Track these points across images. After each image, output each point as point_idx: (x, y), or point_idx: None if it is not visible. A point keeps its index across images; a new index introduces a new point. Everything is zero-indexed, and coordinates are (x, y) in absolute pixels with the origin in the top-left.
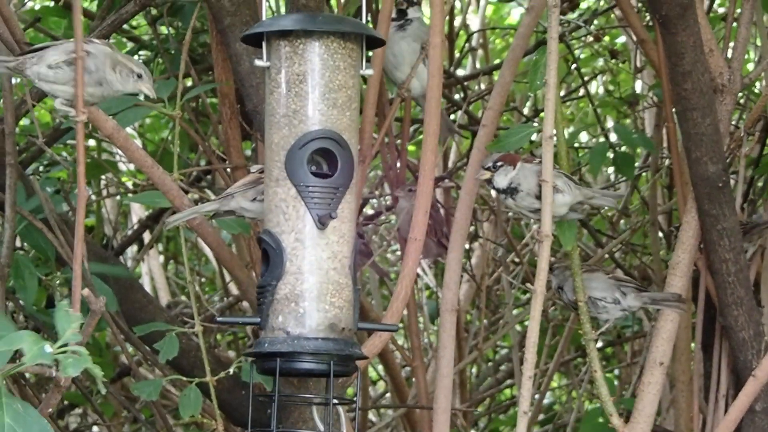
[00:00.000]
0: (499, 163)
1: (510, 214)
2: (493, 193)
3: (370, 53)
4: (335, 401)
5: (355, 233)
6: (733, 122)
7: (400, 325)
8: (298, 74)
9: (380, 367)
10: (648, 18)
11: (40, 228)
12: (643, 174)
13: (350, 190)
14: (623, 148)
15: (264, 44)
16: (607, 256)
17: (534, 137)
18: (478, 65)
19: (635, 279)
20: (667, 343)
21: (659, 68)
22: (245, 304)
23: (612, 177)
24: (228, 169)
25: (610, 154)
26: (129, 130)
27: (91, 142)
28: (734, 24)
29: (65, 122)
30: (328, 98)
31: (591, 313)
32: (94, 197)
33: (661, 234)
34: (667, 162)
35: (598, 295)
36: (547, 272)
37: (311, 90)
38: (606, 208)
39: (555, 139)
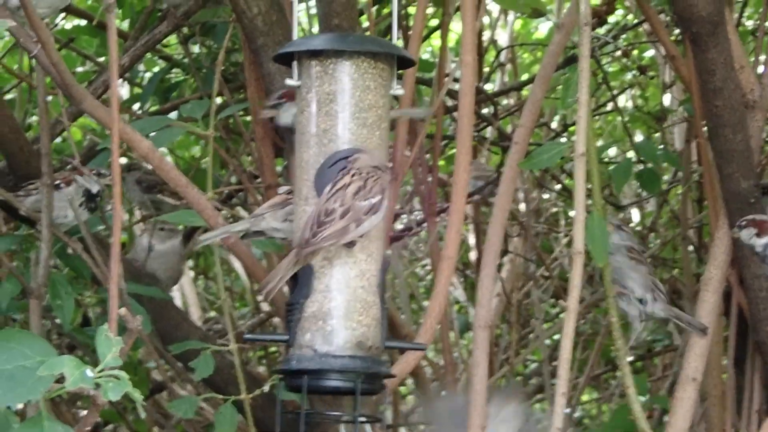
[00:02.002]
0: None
1: (539, 229)
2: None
3: (401, 71)
4: (362, 419)
5: (383, 252)
6: (765, 137)
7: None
8: (329, 93)
9: (410, 381)
10: (677, 32)
11: (75, 248)
12: (673, 188)
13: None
14: (649, 164)
15: (295, 64)
16: None
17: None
18: (506, 80)
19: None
20: (700, 359)
21: (689, 84)
22: (276, 320)
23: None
24: (261, 188)
25: (636, 169)
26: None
27: (122, 160)
28: (765, 38)
29: (101, 143)
30: (358, 117)
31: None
32: (126, 216)
33: (692, 248)
34: (697, 176)
35: (629, 285)
36: (579, 288)
37: (341, 109)
38: (634, 223)
39: (587, 156)
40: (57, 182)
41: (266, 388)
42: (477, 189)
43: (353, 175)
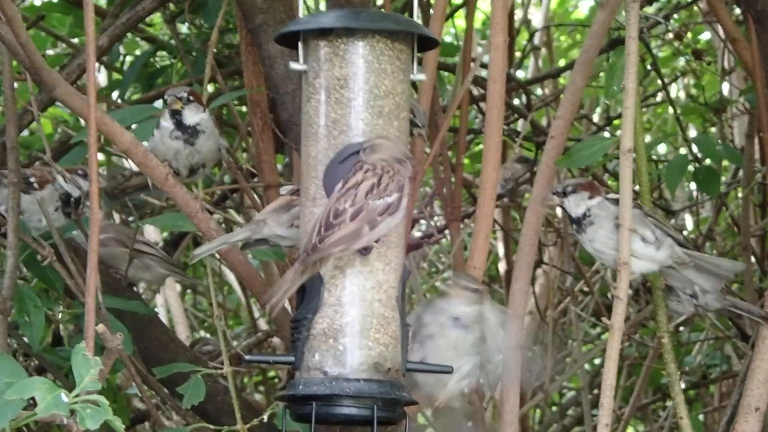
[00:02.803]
0: (570, 188)
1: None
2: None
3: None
4: None
5: (403, 260)
6: None
7: None
8: (339, 78)
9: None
10: (739, 11)
11: (45, 256)
12: (732, 191)
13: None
14: (707, 162)
15: (300, 45)
16: None
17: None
18: (541, 65)
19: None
20: (764, 386)
21: (753, 70)
22: (276, 340)
23: (695, 194)
24: (259, 188)
25: (691, 168)
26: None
27: (100, 156)
28: None
29: (75, 136)
30: (373, 106)
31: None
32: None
33: (753, 259)
34: (760, 177)
35: (676, 284)
36: (625, 304)
37: (354, 96)
38: (688, 230)
39: (634, 153)
40: (30, 180)
41: (265, 417)
42: (506, 190)
43: (366, 171)
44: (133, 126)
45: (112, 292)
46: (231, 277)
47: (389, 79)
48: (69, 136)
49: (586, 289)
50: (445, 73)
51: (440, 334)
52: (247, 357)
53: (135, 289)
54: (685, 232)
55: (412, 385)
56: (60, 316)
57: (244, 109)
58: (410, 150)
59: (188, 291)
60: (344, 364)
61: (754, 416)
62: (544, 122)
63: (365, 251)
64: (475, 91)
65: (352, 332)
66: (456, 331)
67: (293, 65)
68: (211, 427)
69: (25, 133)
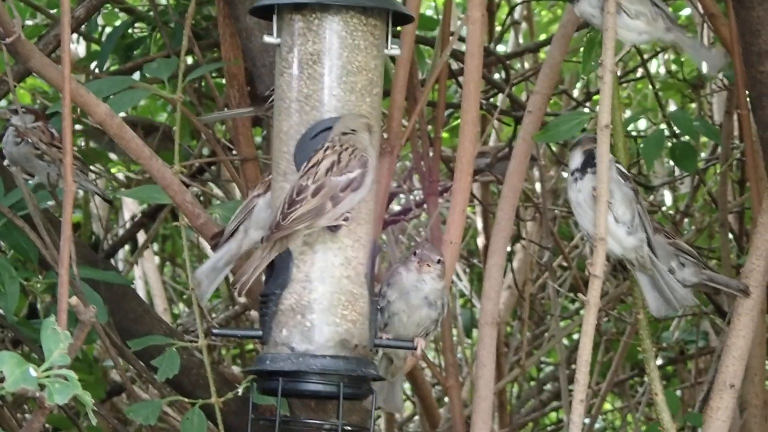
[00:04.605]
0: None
1: (557, 212)
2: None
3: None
4: (346, 428)
5: (373, 237)
6: None
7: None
8: (312, 54)
9: (407, 386)
10: None
11: (21, 226)
12: (710, 167)
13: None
14: (684, 138)
15: (275, 18)
16: None
17: (587, 125)
18: (521, 41)
19: (700, 254)
20: (739, 363)
21: (731, 47)
22: (254, 313)
23: (676, 171)
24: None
25: (669, 144)
26: (121, 114)
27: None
28: None
29: (51, 107)
30: (346, 82)
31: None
32: (81, 192)
33: (731, 236)
34: (738, 153)
35: None
36: (601, 280)
37: (326, 72)
38: (666, 206)
39: (611, 127)
40: None
41: (240, 390)
42: (485, 165)
43: (326, 150)
44: (110, 97)
45: (88, 263)
46: (208, 250)
47: (362, 55)
48: (46, 107)
49: (564, 264)
50: (424, 47)
51: (407, 312)
52: (215, 331)
53: (111, 261)
54: (663, 208)
55: None
56: (36, 286)
57: (222, 81)
58: (387, 126)
59: (167, 263)
60: (311, 341)
61: (728, 393)
62: (523, 97)
63: (335, 228)
64: (455, 66)
65: (320, 308)
66: (424, 309)
67: (267, 39)
68: (186, 400)
69: (3, 103)
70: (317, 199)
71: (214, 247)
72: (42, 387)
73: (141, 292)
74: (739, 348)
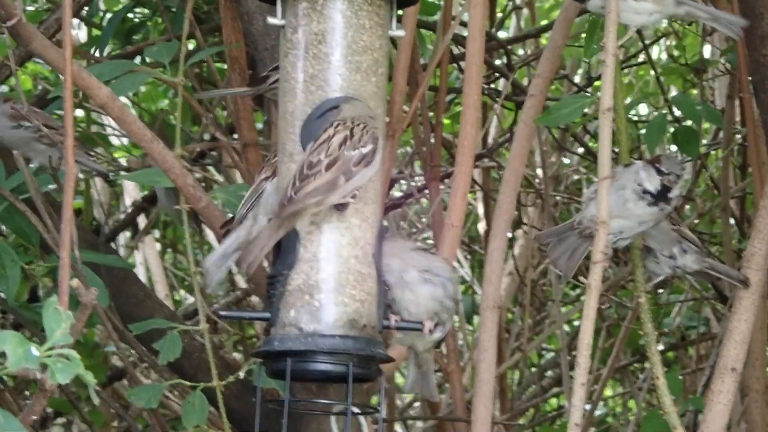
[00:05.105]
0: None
1: (558, 198)
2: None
3: (401, 11)
4: (355, 409)
5: (380, 217)
6: None
7: None
8: (317, 34)
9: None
10: None
11: (22, 210)
12: (712, 152)
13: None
14: (687, 123)
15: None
16: None
17: (588, 109)
18: (522, 26)
19: (702, 242)
20: (741, 347)
21: None
22: (254, 298)
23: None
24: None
25: (671, 129)
26: (123, 99)
27: (79, 112)
28: None
29: (53, 91)
30: (351, 61)
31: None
32: (82, 176)
33: (732, 221)
34: (740, 138)
35: (655, 245)
36: (602, 265)
37: (331, 52)
38: None
39: (613, 111)
40: None
41: (242, 374)
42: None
43: (337, 126)
44: (112, 81)
45: (89, 247)
46: (210, 236)
47: (367, 35)
48: (47, 92)
49: None
50: (426, 32)
51: (411, 290)
52: (222, 312)
53: (112, 245)
54: None
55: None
56: (37, 270)
57: (223, 65)
58: (389, 110)
59: (168, 249)
60: (320, 321)
61: (730, 376)
62: (525, 82)
63: (342, 207)
64: (456, 51)
65: (328, 288)
66: (426, 286)
67: (271, 20)
68: (188, 383)
69: (4, 88)
70: (331, 173)
71: (225, 235)
72: (44, 367)
73: (142, 279)
74: (741, 332)
